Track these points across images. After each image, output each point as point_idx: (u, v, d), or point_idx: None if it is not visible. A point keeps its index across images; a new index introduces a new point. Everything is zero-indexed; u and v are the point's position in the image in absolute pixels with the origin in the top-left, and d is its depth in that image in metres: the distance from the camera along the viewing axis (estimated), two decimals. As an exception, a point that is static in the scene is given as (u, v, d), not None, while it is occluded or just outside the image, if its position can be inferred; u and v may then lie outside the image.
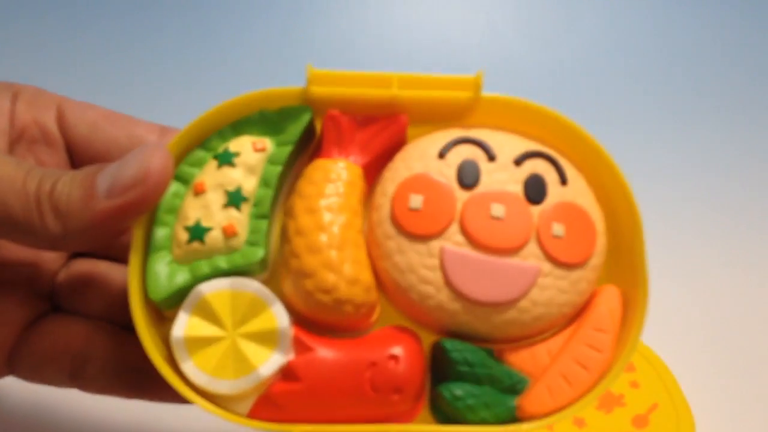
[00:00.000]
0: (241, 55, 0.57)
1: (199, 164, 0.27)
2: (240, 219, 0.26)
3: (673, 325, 0.45)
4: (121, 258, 0.30)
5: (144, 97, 0.51)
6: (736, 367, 0.44)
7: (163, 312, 0.26)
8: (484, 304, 0.25)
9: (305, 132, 0.27)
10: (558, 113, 0.28)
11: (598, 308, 0.26)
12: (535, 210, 0.26)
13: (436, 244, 0.26)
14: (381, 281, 0.27)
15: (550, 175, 0.27)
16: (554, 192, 0.27)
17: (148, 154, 0.24)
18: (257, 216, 0.26)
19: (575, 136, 0.28)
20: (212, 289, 0.25)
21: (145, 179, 0.24)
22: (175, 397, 0.28)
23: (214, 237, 0.26)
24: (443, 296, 0.26)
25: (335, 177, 0.27)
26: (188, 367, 0.25)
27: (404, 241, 0.26)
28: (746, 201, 0.53)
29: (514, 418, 0.26)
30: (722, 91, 0.58)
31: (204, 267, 0.26)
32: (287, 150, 0.27)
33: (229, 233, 0.26)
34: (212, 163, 0.27)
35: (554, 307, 0.26)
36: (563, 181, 0.27)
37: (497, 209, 0.26)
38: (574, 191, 0.27)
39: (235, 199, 0.26)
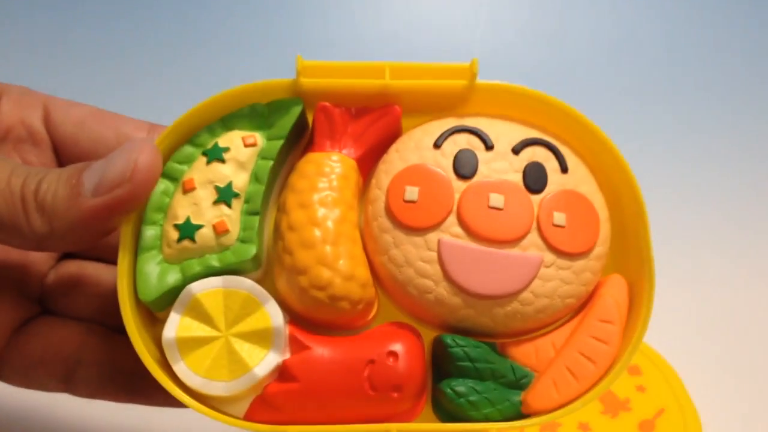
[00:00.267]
0: (230, 48, 0.56)
1: (188, 161, 0.26)
2: (231, 216, 0.25)
3: (681, 328, 0.44)
4: (111, 259, 0.29)
5: (131, 93, 0.51)
6: (745, 373, 0.43)
7: (155, 314, 0.26)
8: (484, 297, 0.25)
9: (296, 125, 0.27)
10: (557, 100, 0.27)
11: (603, 299, 0.26)
12: (536, 199, 0.26)
13: (433, 237, 0.25)
14: (378, 277, 0.26)
15: (550, 163, 0.26)
16: (555, 180, 0.26)
17: (136, 150, 0.23)
18: (249, 212, 0.25)
19: (576, 123, 0.27)
20: (204, 289, 0.24)
21: (132, 176, 0.23)
22: (169, 401, 0.27)
23: (205, 235, 0.25)
24: (442, 290, 0.25)
25: (328, 170, 0.26)
26: (181, 368, 0.24)
27: (401, 234, 0.25)
28: (760, 202, 0.51)
29: (519, 414, 0.25)
30: (726, 87, 0.57)
31: (195, 266, 0.25)
32: (278, 144, 0.26)
33: (220, 230, 0.25)
34: (201, 160, 0.26)
35: (557, 299, 0.25)
36: (564, 168, 0.26)
37: (496, 199, 0.25)
38: (576, 179, 0.26)
39: (225, 195, 0.25)
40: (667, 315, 0.44)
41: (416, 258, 0.25)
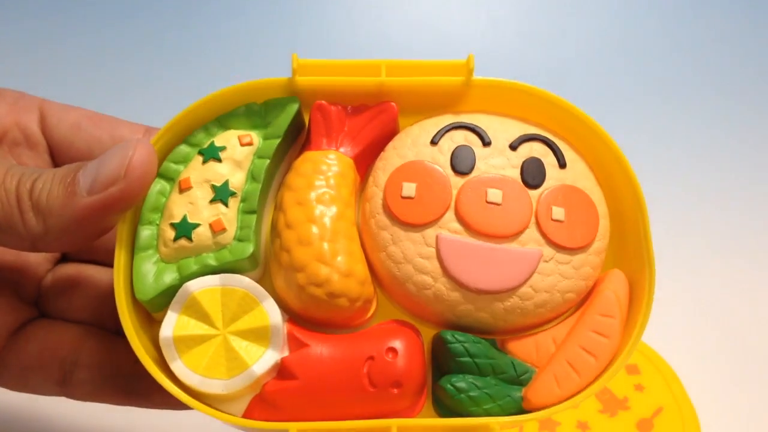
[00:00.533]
0: (225, 48, 0.56)
1: (184, 161, 0.26)
2: (228, 214, 0.25)
3: (679, 327, 0.44)
4: (108, 262, 0.29)
5: (125, 96, 0.50)
6: (742, 371, 0.43)
7: (152, 315, 0.25)
8: (483, 293, 0.25)
9: (293, 124, 0.26)
10: (555, 95, 0.27)
11: (603, 293, 0.25)
12: (534, 194, 0.26)
13: (431, 233, 0.25)
14: (377, 274, 0.26)
15: (547, 159, 0.26)
16: (553, 175, 0.26)
17: (130, 149, 0.23)
18: (246, 211, 0.25)
19: (573, 119, 0.27)
20: (201, 287, 0.24)
21: (127, 173, 0.23)
22: (167, 403, 0.27)
23: (202, 233, 0.25)
24: (441, 286, 0.25)
25: (325, 168, 0.26)
26: (178, 367, 0.24)
27: (398, 231, 0.25)
28: (761, 200, 0.51)
29: (520, 409, 0.25)
30: (727, 82, 0.57)
31: (192, 265, 0.25)
32: (275, 143, 0.26)
33: (216, 229, 0.25)
34: (198, 159, 0.26)
35: (557, 294, 0.25)
36: (562, 164, 0.26)
37: (494, 194, 0.25)
38: (574, 174, 0.26)
39: (222, 193, 0.25)
40: (665, 314, 0.44)
41: (414, 254, 0.25)
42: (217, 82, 0.26)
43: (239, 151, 0.26)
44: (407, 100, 0.27)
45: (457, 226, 0.25)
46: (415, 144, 0.26)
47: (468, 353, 0.25)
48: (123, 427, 0.36)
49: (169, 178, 0.26)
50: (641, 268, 0.25)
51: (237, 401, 0.24)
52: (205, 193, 0.25)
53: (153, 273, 0.25)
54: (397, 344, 0.24)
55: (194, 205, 0.25)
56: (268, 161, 0.26)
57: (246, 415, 0.24)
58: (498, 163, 0.26)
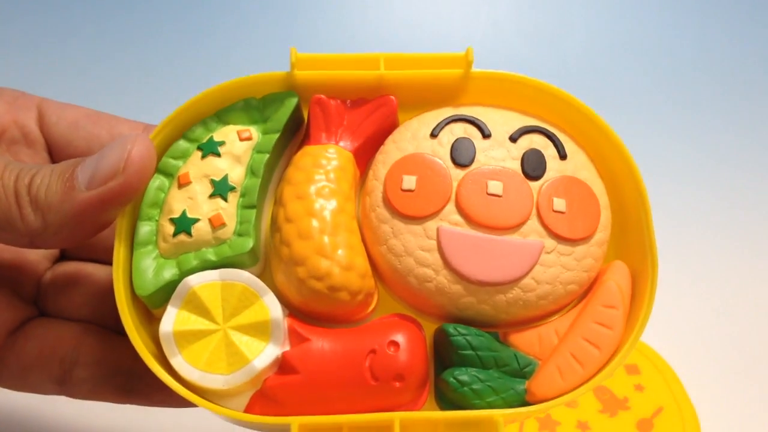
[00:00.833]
0: (222, 43, 0.56)
1: (183, 156, 0.26)
2: (227, 209, 0.25)
3: (679, 328, 0.44)
4: (108, 260, 0.29)
5: (123, 94, 0.50)
6: (742, 371, 0.43)
7: (152, 311, 0.25)
8: (485, 284, 0.24)
9: (292, 118, 0.26)
10: (555, 87, 0.27)
11: (606, 284, 0.25)
12: (535, 185, 0.25)
13: (432, 225, 0.25)
14: (377, 268, 0.26)
15: (548, 150, 0.26)
16: (553, 167, 0.26)
17: (129, 143, 0.23)
18: (245, 206, 0.25)
19: (574, 111, 0.27)
20: (201, 281, 0.24)
21: (126, 167, 0.23)
22: (167, 401, 0.27)
23: (201, 228, 0.25)
24: (442, 278, 0.24)
25: (325, 162, 0.26)
26: (178, 362, 0.23)
27: (399, 224, 0.25)
28: (763, 201, 0.51)
29: (523, 402, 0.24)
30: (725, 80, 0.57)
31: (191, 260, 0.25)
32: (274, 138, 0.26)
33: (216, 224, 0.25)
34: (197, 154, 0.26)
35: (559, 285, 0.25)
36: (562, 155, 0.26)
37: (494, 186, 0.25)
38: (575, 165, 0.26)
39: (221, 188, 0.25)
40: (665, 314, 0.43)
41: (415, 247, 0.25)
42: (215, 77, 0.26)
43: (238, 146, 0.26)
44: (406, 93, 0.27)
45: (457, 218, 0.25)
46: (414, 137, 0.26)
47: (471, 346, 0.24)
48: (123, 427, 0.36)
49: (168, 174, 0.26)
50: (643, 259, 0.25)
51: (238, 397, 0.24)
52: (205, 188, 0.25)
53: (152, 268, 0.25)
54: (399, 337, 0.24)
55: (193, 200, 0.25)
56: (267, 156, 0.26)
57: (247, 410, 0.24)
58: (498, 155, 0.26)
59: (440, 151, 0.26)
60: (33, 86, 0.30)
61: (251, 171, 0.26)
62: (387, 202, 0.25)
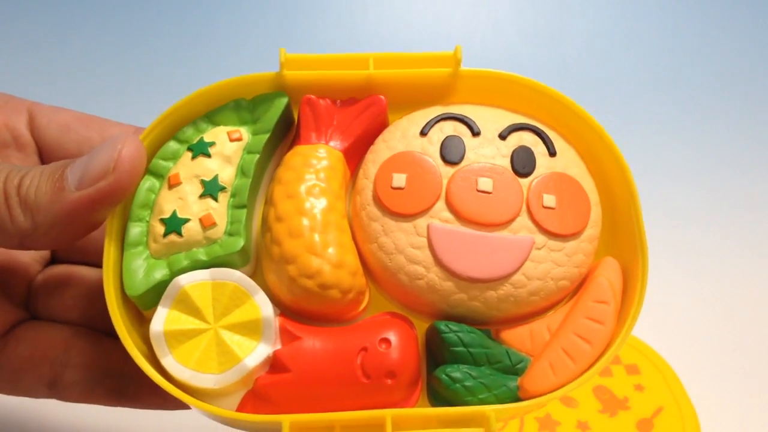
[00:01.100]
0: (212, 44, 0.56)
1: (173, 157, 0.26)
2: (218, 209, 0.25)
3: (679, 327, 0.44)
4: (99, 263, 0.29)
5: (112, 92, 0.50)
6: (742, 371, 0.43)
7: (143, 312, 0.25)
8: (476, 281, 0.24)
9: (282, 119, 0.26)
10: (544, 85, 0.27)
11: (597, 279, 0.25)
12: (524, 182, 0.25)
13: (422, 222, 0.25)
14: (368, 266, 0.26)
15: (537, 148, 0.26)
16: (543, 164, 0.26)
17: (119, 143, 0.23)
18: (236, 206, 0.25)
19: (563, 108, 0.27)
20: (192, 281, 0.24)
21: (116, 167, 0.23)
22: (159, 404, 0.27)
23: (192, 228, 0.25)
24: (433, 275, 0.24)
25: (315, 162, 0.26)
26: (169, 362, 0.23)
27: (389, 222, 0.25)
28: (761, 199, 0.51)
29: (516, 398, 0.24)
30: (723, 87, 0.57)
31: (182, 260, 0.25)
32: (264, 138, 0.26)
33: (206, 224, 0.25)
34: (187, 155, 0.26)
35: (550, 281, 0.25)
36: (552, 152, 0.26)
37: (484, 183, 0.25)
38: (564, 162, 0.26)
39: (211, 188, 0.25)
40: (665, 314, 0.43)
41: (406, 244, 0.25)
42: (204, 78, 0.27)
43: (228, 147, 0.26)
44: (396, 92, 0.27)
45: (448, 215, 0.25)
46: (404, 136, 0.26)
47: (462, 343, 0.24)
48: (117, 428, 0.35)
49: (159, 175, 0.26)
50: (634, 255, 0.25)
51: (230, 397, 0.24)
52: (195, 189, 0.25)
53: (143, 269, 0.25)
54: (391, 335, 0.24)
55: (184, 200, 0.25)
56: (257, 156, 0.26)
57: (239, 410, 0.24)
58: (488, 153, 0.26)
59: (430, 149, 0.26)
60: (21, 90, 0.30)
61: (242, 171, 0.26)
62: (377, 200, 0.25)
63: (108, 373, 0.27)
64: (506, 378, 0.24)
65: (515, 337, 0.25)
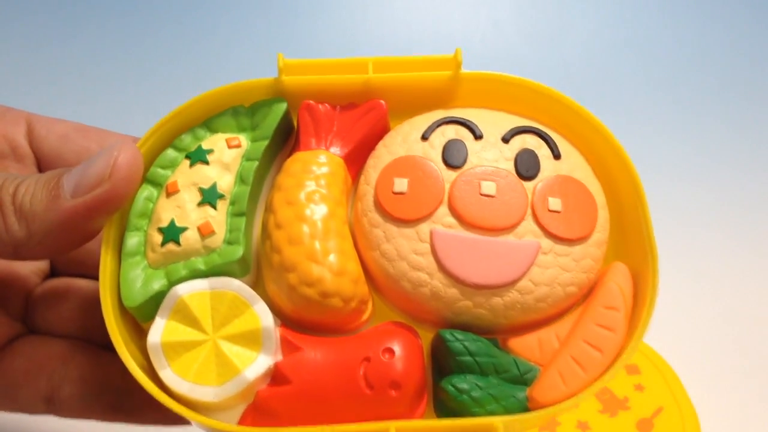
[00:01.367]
0: (209, 50, 0.56)
1: (171, 165, 0.25)
2: (216, 217, 0.24)
3: (679, 327, 0.44)
4: (98, 276, 0.29)
5: (109, 99, 0.50)
6: (742, 371, 0.42)
7: (141, 324, 0.25)
8: (481, 287, 0.24)
9: (281, 125, 0.26)
10: (546, 87, 0.26)
11: (606, 285, 0.25)
12: (529, 185, 0.25)
13: (425, 228, 0.24)
14: (371, 274, 0.25)
15: (541, 151, 0.26)
16: (548, 167, 0.25)
17: (115, 150, 0.23)
18: (235, 214, 0.25)
19: (566, 110, 0.26)
20: (190, 290, 0.23)
21: (112, 174, 0.22)
22: (158, 419, 0.26)
23: (190, 237, 0.24)
24: (437, 282, 0.24)
25: (315, 168, 0.25)
26: (167, 374, 0.23)
27: (391, 227, 0.24)
28: (760, 199, 0.51)
29: (525, 409, 0.23)
30: (727, 87, 0.57)
31: (181, 270, 0.24)
32: (263, 145, 0.26)
33: (205, 232, 0.24)
34: (185, 163, 0.25)
35: (558, 287, 0.24)
36: (556, 155, 0.26)
37: (487, 186, 0.25)
38: (569, 165, 0.26)
39: (210, 196, 0.25)
40: (666, 315, 0.43)
41: (409, 251, 0.24)
42: (202, 85, 0.26)
43: (227, 154, 0.25)
44: (396, 97, 0.27)
45: (451, 220, 0.24)
46: (405, 140, 0.26)
47: (468, 352, 0.24)
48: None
49: (157, 184, 0.25)
50: (644, 260, 0.25)
51: (230, 411, 0.23)
52: (193, 197, 0.25)
53: (141, 279, 0.24)
54: (394, 344, 0.24)
55: (182, 208, 0.24)
56: (256, 163, 0.25)
57: (240, 424, 0.23)
58: (491, 156, 0.25)
59: (432, 153, 0.25)
60: (17, 97, 0.30)
61: (240, 179, 0.25)
62: (379, 206, 0.25)
63: (106, 387, 0.26)
64: (515, 388, 0.24)
65: (523, 346, 0.24)
